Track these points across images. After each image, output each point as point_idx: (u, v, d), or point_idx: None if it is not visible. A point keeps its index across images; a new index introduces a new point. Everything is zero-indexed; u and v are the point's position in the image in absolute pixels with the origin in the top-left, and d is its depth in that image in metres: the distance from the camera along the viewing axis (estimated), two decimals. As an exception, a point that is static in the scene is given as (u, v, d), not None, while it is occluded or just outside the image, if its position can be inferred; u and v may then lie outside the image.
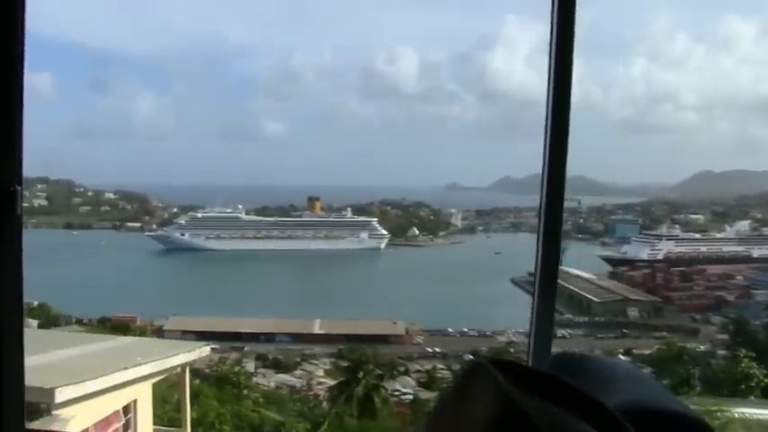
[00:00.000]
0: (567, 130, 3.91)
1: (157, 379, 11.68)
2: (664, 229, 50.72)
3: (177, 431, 12.74)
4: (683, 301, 46.38)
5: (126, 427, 10.87)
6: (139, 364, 10.60)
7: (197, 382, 19.24)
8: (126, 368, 10.26)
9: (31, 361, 10.11)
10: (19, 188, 3.53)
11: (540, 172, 3.96)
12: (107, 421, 10.42)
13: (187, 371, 12.45)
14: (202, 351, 12.91)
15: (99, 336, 13.49)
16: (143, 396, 11.17)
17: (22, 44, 3.52)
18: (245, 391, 24.86)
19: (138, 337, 14.15)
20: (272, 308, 46.74)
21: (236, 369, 26.40)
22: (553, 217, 3.93)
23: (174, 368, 11.90)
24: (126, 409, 10.89)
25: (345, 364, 34.38)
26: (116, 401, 10.50)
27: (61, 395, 8.93)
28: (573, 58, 3.83)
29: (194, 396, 15.44)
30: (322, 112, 77.06)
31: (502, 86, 65.88)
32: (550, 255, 3.92)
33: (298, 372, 41.32)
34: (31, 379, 9.33)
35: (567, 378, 1.09)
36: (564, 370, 1.33)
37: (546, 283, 3.93)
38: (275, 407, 23.59)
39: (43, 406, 9.17)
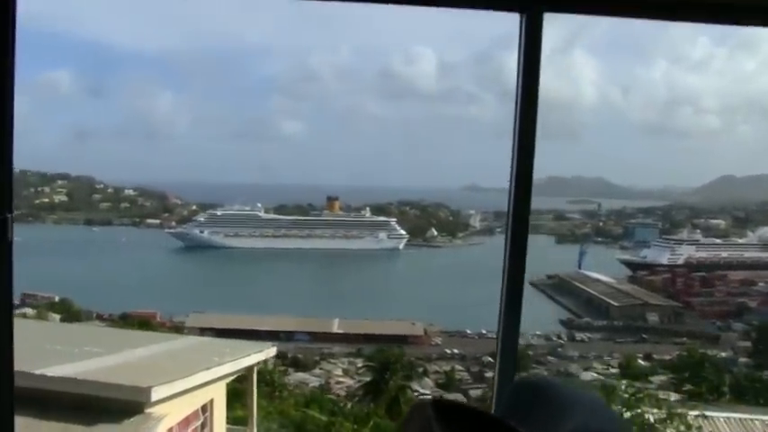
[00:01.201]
0: (534, 136, 3.98)
1: (231, 379, 11.82)
2: (684, 234, 50.54)
3: (244, 429, 12.88)
4: (704, 306, 46.20)
5: (203, 425, 10.98)
6: (219, 365, 10.72)
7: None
8: (208, 368, 10.38)
9: (109, 361, 10.21)
10: (9, 216, 3.52)
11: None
12: (187, 420, 10.54)
13: (254, 371, 12.58)
14: (270, 351, 13.05)
15: (165, 335, 13.56)
16: (219, 396, 11.31)
17: (12, 77, 3.46)
18: (278, 391, 24.95)
19: (205, 337, 14.23)
20: (291, 306, 46.82)
21: (271, 368, 26.49)
22: (519, 235, 3.97)
23: (246, 368, 12.04)
24: (203, 409, 11.02)
25: (372, 364, 34.47)
26: (196, 401, 10.62)
27: (156, 394, 9.03)
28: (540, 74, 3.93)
29: (239, 395, 15.51)
30: (340, 112, 77.05)
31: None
32: (517, 273, 3.97)
33: (317, 370, 41.37)
34: (123, 377, 9.45)
35: (519, 405, 1.31)
36: (522, 396, 1.43)
37: (511, 302, 3.99)
38: (315, 405, 23.75)
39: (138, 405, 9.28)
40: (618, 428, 1.38)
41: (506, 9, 3.91)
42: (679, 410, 14.81)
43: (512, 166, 3.88)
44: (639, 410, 14.77)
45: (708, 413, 15.43)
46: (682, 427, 14.31)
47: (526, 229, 3.95)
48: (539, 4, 3.80)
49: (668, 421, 14.45)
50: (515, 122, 3.84)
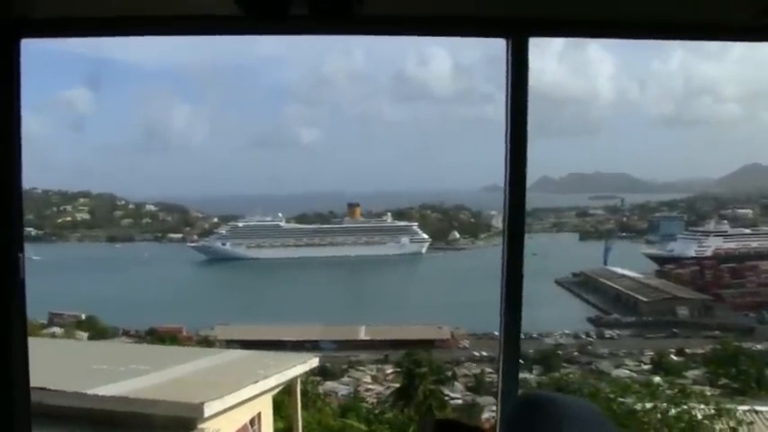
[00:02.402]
0: (525, 154, 4.04)
1: (276, 391, 11.80)
2: (711, 225, 49.77)
3: (290, 441, 12.88)
4: (736, 298, 45.53)
5: (252, 439, 10.97)
6: (266, 378, 10.69)
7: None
8: (256, 382, 10.36)
9: (156, 378, 10.20)
10: (21, 255, 3.63)
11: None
12: (237, 434, 10.54)
13: (298, 382, 12.56)
14: (312, 362, 13.04)
15: (206, 350, 13.52)
16: (265, 408, 11.30)
17: (19, 121, 3.63)
18: (311, 401, 24.85)
19: (247, 351, 14.23)
20: (316, 315, 46.83)
21: (304, 378, 26.38)
22: (515, 255, 4.00)
23: (290, 380, 12.03)
24: (251, 422, 11.00)
25: (401, 369, 34.39)
26: (245, 414, 10.61)
27: (208, 410, 9.01)
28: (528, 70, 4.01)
29: (277, 407, 15.48)
30: (356, 118, 76.87)
31: (534, 84, 64.95)
32: (515, 277, 3.98)
33: (345, 378, 41.31)
34: (174, 394, 9.40)
35: (523, 420, 1.40)
36: (524, 412, 1.50)
37: (511, 305, 4.01)
38: (352, 414, 23.73)
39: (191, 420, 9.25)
40: None
41: (492, 36, 4.07)
42: (728, 405, 14.56)
43: (505, 181, 3.94)
44: (686, 407, 14.54)
45: (757, 408, 15.16)
46: (732, 423, 14.06)
47: (521, 240, 4.00)
48: (523, 30, 3.91)
49: (717, 417, 14.21)
50: (506, 143, 3.94)
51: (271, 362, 11.98)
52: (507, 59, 4.04)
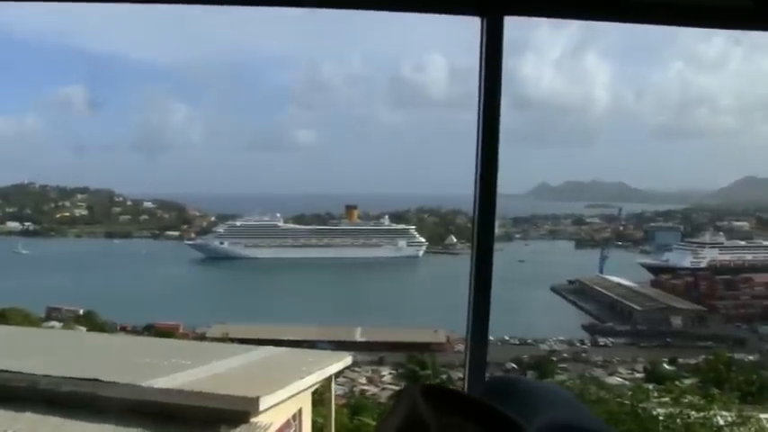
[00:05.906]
0: (497, 140, 3.95)
1: (315, 388, 11.93)
2: (707, 237, 50.29)
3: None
4: (729, 310, 46.04)
5: (294, 435, 11.08)
6: (309, 374, 10.80)
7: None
8: (301, 378, 10.46)
9: (201, 372, 10.26)
10: None
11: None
12: (281, 429, 10.61)
13: (332, 380, 12.69)
14: (347, 360, 13.19)
15: (243, 347, 13.63)
16: (306, 405, 11.40)
17: None
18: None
19: (284, 348, 14.30)
20: (313, 316, 46.85)
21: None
22: (485, 243, 3.92)
23: (328, 378, 12.18)
24: (294, 418, 11.11)
25: (404, 371, 34.56)
26: (288, 411, 10.70)
27: (263, 404, 9.10)
28: (501, 85, 3.88)
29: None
30: (354, 121, 77.11)
31: (532, 92, 65.44)
32: (483, 282, 3.94)
33: (340, 379, 41.31)
34: (227, 388, 9.48)
35: (493, 401, 1.28)
36: (495, 392, 1.49)
37: (479, 309, 3.97)
38: (367, 413, 23.83)
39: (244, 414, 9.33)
40: (586, 422, 1.41)
41: (466, 13, 3.91)
42: (750, 413, 14.78)
43: (476, 171, 3.83)
44: (708, 413, 14.73)
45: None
46: (753, 430, 14.29)
47: (492, 234, 3.93)
48: (498, 9, 3.80)
49: (740, 425, 14.42)
50: (478, 127, 3.83)
51: (310, 359, 12.10)
52: (481, 40, 3.89)
